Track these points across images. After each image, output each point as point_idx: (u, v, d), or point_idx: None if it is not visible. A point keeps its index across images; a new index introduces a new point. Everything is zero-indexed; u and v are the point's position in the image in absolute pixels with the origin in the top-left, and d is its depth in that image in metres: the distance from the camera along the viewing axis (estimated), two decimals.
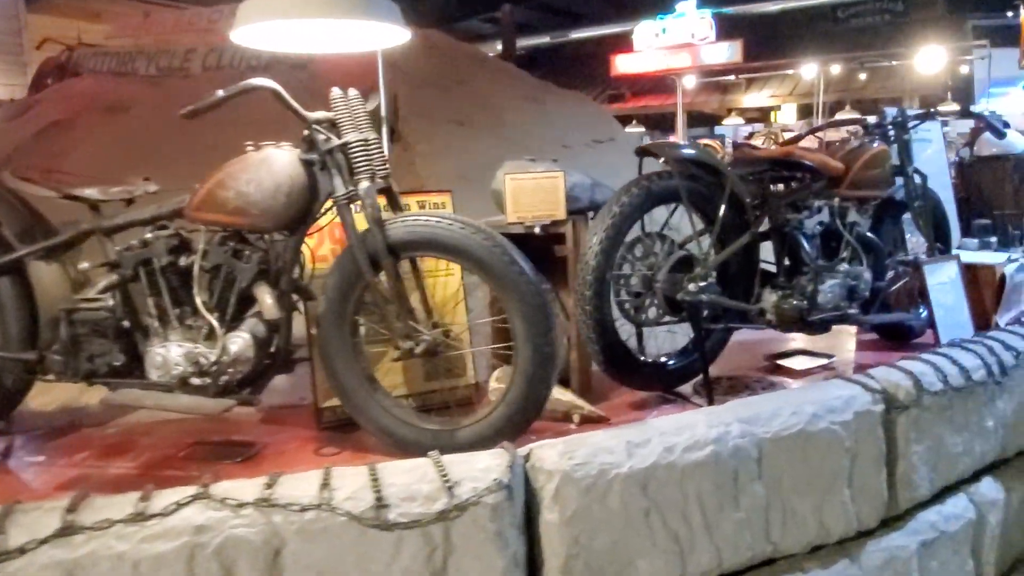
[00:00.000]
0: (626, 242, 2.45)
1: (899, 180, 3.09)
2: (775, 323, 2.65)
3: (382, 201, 2.09)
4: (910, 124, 3.11)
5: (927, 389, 2.36)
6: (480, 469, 1.73)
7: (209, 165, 2.06)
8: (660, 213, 2.50)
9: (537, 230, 2.39)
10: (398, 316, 1.99)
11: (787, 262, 2.72)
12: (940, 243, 3.35)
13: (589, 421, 2.34)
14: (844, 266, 2.72)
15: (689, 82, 13.36)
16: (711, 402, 2.43)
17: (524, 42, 17.74)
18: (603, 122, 5.61)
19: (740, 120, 15.02)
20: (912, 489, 2.36)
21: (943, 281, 3.13)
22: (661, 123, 16.10)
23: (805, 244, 2.69)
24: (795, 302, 2.63)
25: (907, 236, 3.37)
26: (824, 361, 2.98)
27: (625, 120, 16.24)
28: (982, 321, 3.35)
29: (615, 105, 15.85)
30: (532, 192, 2.36)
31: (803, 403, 2.14)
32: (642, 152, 2.42)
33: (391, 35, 2.23)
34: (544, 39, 16.52)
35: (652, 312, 2.47)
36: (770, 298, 2.66)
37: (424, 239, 1.95)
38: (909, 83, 12.53)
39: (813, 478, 2.12)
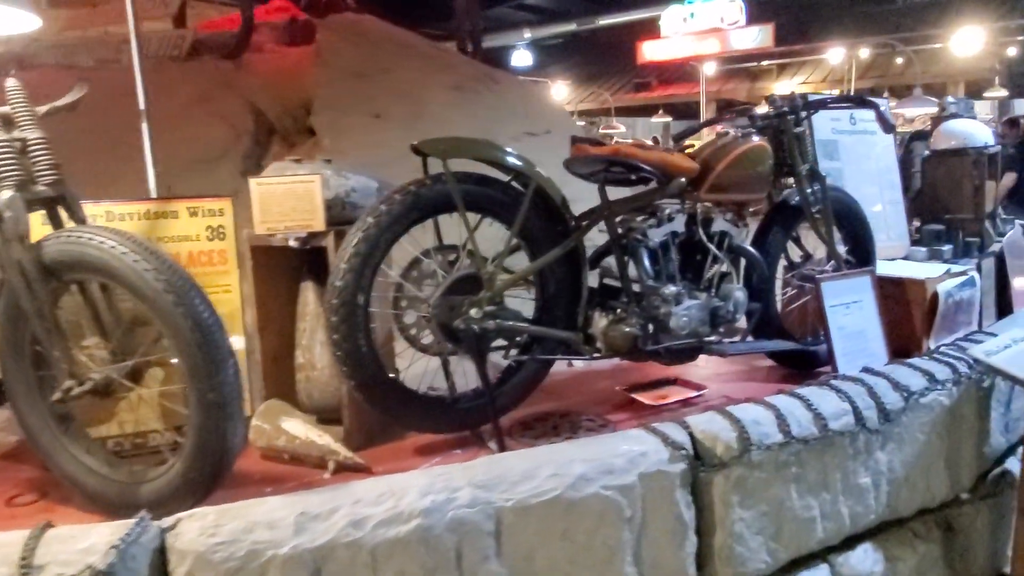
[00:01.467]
0: (413, 258, 2.09)
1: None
2: (606, 353, 2.24)
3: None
4: (802, 114, 2.63)
5: (757, 443, 1.91)
6: (80, 549, 1.40)
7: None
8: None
9: (292, 242, 2.04)
10: (61, 348, 1.67)
11: (640, 279, 2.30)
12: (856, 255, 2.86)
13: (347, 470, 1.99)
14: (675, 286, 2.27)
15: (709, 69, 12.67)
16: (502, 448, 2.04)
17: (553, 29, 17.29)
18: (543, 112, 5.17)
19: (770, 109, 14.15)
20: (736, 564, 1.92)
21: (850, 300, 2.65)
22: (689, 112, 15.41)
23: (645, 258, 2.26)
24: (626, 328, 2.21)
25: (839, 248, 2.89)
26: (691, 394, 2.54)
27: (652, 110, 15.63)
28: (912, 346, 2.86)
29: (642, 94, 15.25)
30: (283, 199, 2.01)
31: (570, 461, 1.74)
32: (417, 151, 2.03)
33: (13, 21, 1.87)
34: (571, 26, 16.01)
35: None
36: (600, 323, 2.25)
37: (75, 259, 1.62)
38: (953, 67, 11.57)
39: (579, 555, 1.72)
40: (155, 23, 5.54)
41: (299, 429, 2.03)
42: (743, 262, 2.55)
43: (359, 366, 1.94)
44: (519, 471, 1.70)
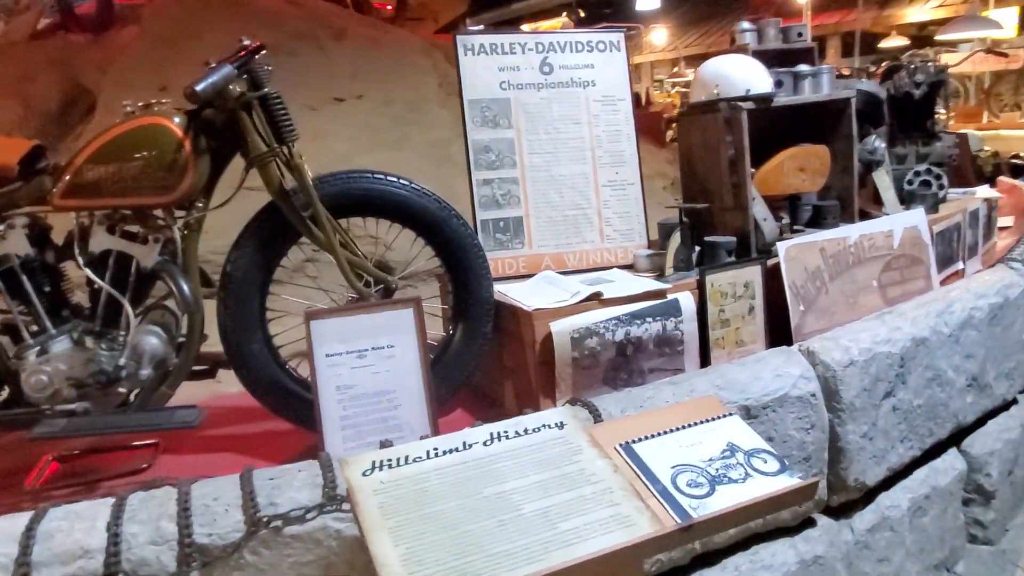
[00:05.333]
0: None
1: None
2: None
3: None
4: (260, 69, 1.78)
5: None
6: None
7: None
8: None
9: None
10: None
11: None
12: (453, 273, 1.96)
13: None
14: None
15: None
16: None
17: None
18: (390, 73, 4.36)
19: (903, 40, 11.62)
20: None
21: (368, 346, 1.82)
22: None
23: None
24: None
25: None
26: (113, 472, 1.82)
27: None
28: (530, 408, 1.93)
29: None
30: None
31: None
32: None
33: None
34: None
35: None
36: None
37: None
38: None
39: None
40: None
41: None
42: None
43: None
44: None
